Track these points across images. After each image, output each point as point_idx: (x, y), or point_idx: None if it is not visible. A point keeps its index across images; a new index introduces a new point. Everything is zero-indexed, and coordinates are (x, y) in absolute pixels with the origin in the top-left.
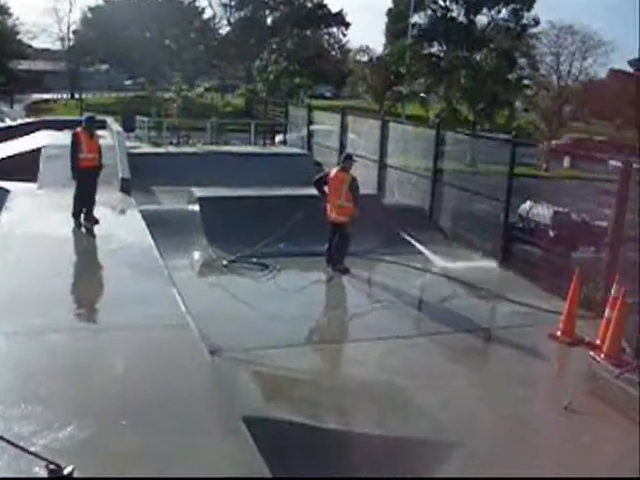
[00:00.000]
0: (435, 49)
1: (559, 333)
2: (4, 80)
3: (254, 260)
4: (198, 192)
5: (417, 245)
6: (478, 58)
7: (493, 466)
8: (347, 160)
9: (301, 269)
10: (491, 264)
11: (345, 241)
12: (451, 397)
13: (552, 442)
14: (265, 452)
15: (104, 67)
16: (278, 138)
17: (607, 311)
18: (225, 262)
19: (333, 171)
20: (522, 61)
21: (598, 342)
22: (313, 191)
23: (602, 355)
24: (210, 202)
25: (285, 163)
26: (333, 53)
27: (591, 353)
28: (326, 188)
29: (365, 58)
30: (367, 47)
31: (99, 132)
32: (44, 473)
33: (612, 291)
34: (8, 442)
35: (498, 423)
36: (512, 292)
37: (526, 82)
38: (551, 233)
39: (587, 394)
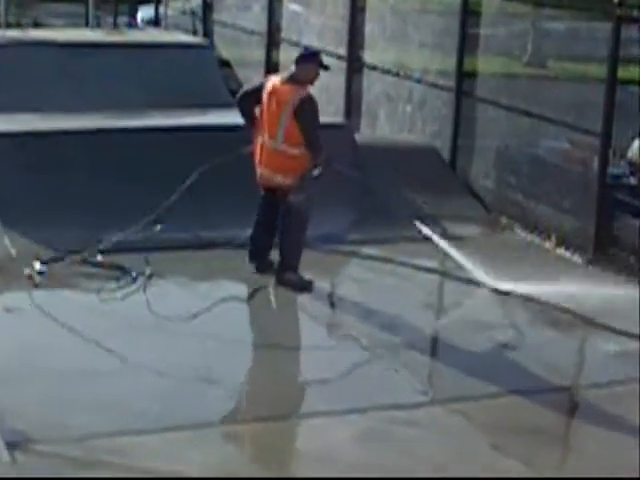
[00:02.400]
0: None
1: None
2: None
3: (99, 259)
4: None
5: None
6: None
7: None
8: (305, 61)
9: (197, 276)
10: (575, 259)
11: (296, 224)
12: None
13: None
14: None
15: None
16: (144, 13)
17: None
18: (39, 265)
19: (273, 80)
20: None
21: None
22: (221, 119)
23: None
24: (7, 143)
25: (159, 64)
26: None
27: None
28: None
29: None
30: None
31: None
32: None
33: None
34: None
35: None
36: (617, 314)
37: None
38: None
39: None
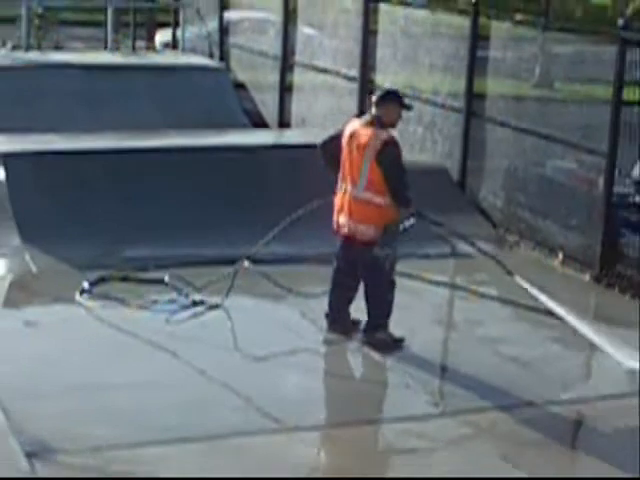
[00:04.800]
0: None
1: None
2: None
3: (166, 279)
4: (2, 143)
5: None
6: None
7: None
8: (386, 102)
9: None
10: (581, 276)
11: (383, 280)
12: None
13: None
14: None
15: None
16: (162, 37)
17: None
18: (86, 285)
19: (353, 124)
20: None
21: None
22: (237, 139)
23: None
24: (27, 163)
25: (176, 86)
26: None
27: None
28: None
29: None
30: None
31: None
32: None
33: None
34: None
35: None
36: (624, 331)
37: None
38: None
39: None
